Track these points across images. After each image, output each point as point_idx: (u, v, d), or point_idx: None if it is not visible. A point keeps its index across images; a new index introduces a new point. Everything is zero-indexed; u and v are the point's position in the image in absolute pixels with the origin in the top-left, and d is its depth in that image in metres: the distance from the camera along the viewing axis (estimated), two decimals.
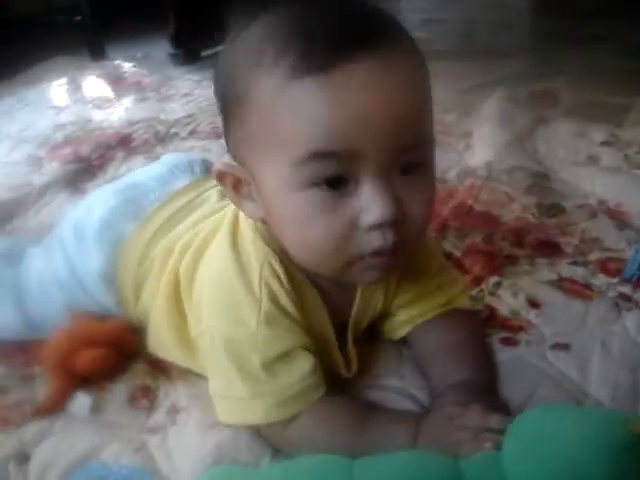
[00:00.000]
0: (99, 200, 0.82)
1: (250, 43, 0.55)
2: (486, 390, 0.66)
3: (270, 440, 0.63)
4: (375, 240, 0.55)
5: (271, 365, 0.60)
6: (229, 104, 0.58)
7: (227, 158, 0.63)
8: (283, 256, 0.62)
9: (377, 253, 0.56)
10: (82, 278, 0.78)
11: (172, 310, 0.71)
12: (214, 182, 0.84)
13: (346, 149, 0.51)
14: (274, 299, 0.61)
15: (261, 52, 0.53)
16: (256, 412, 0.61)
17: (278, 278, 0.62)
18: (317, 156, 0.52)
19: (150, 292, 0.75)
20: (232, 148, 0.61)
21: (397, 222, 0.54)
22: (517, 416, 0.53)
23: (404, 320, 0.74)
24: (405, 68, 0.53)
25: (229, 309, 0.62)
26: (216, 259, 0.66)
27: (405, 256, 0.60)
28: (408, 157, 0.55)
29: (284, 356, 0.61)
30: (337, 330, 0.69)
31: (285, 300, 0.62)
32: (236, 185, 0.61)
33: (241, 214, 0.66)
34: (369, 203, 0.53)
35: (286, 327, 0.61)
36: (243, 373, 0.60)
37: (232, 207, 0.68)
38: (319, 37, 0.51)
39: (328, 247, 0.56)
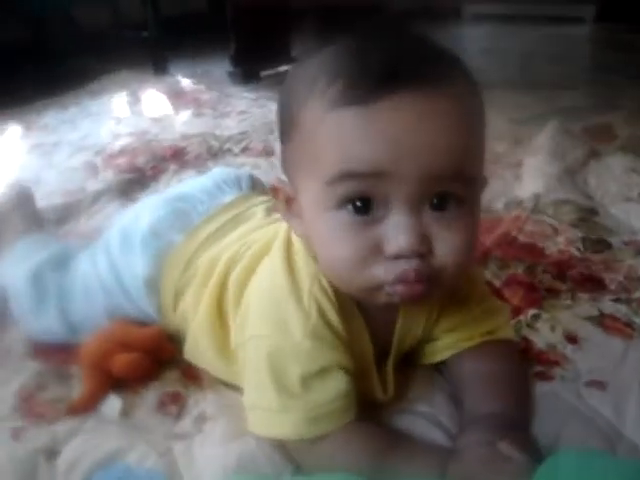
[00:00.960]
0: (148, 208, 0.84)
1: (308, 70, 0.58)
2: (517, 426, 0.65)
3: (296, 456, 0.63)
4: (397, 269, 0.55)
5: (308, 380, 0.60)
6: (284, 125, 0.61)
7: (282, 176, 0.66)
8: None
9: (399, 281, 0.56)
10: (125, 283, 0.80)
11: (214, 320, 0.72)
12: (260, 198, 0.86)
13: (375, 171, 0.53)
14: (322, 314, 0.62)
15: (315, 79, 0.55)
16: (285, 426, 0.61)
17: (327, 294, 0.62)
18: (347, 176, 0.53)
19: (191, 300, 0.76)
20: (284, 166, 0.64)
21: (422, 255, 0.55)
22: (548, 458, 0.52)
23: (447, 344, 0.73)
24: (449, 105, 0.54)
25: (277, 320, 0.63)
26: (268, 272, 0.67)
27: (437, 289, 0.59)
28: (442, 190, 0.55)
29: (323, 372, 0.61)
30: (377, 354, 0.69)
31: (332, 316, 0.62)
32: (288, 201, 0.63)
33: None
34: (394, 231, 0.54)
35: (330, 343, 0.62)
36: (279, 385, 0.60)
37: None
38: (366, 69, 0.53)
39: (352, 270, 0.57)
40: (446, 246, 0.56)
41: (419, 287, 0.56)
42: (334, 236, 0.57)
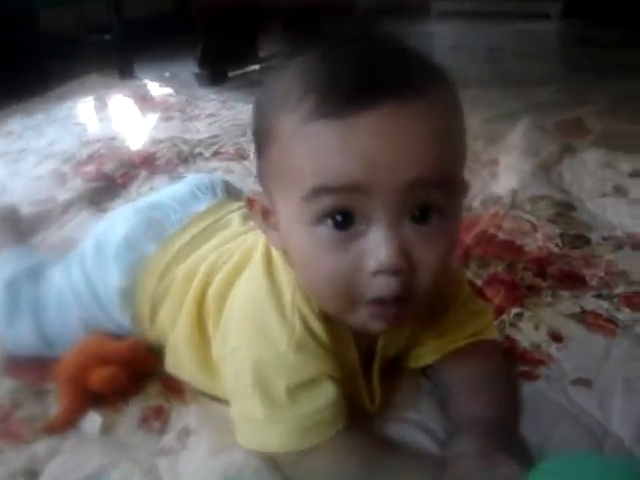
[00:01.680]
0: (121, 218, 0.82)
1: (281, 82, 0.57)
2: (506, 429, 0.65)
3: (284, 469, 0.62)
4: (378, 287, 0.54)
5: (295, 391, 0.59)
6: (259, 137, 0.60)
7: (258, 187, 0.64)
8: None
9: (379, 301, 0.55)
10: (100, 294, 0.78)
11: (194, 331, 0.71)
12: (235, 205, 0.85)
13: (351, 185, 0.51)
14: (306, 324, 0.61)
15: (287, 92, 0.54)
16: (273, 439, 0.60)
17: (309, 304, 0.61)
18: (323, 191, 0.52)
19: (168, 312, 0.75)
20: (260, 179, 0.62)
21: (402, 270, 0.53)
22: (538, 464, 0.51)
23: (432, 349, 0.72)
24: (424, 115, 0.52)
25: (260, 331, 0.62)
26: (249, 284, 0.66)
27: (415, 305, 0.58)
28: (423, 201, 0.54)
29: (309, 383, 0.60)
30: (361, 361, 0.68)
31: (316, 326, 0.61)
32: (265, 214, 0.61)
33: None
34: (375, 246, 0.53)
35: (315, 354, 0.61)
36: (265, 397, 0.59)
37: None
38: (340, 82, 0.51)
39: (332, 287, 0.56)
40: (426, 261, 0.54)
41: (393, 310, 0.56)
42: (312, 252, 0.55)
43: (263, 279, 0.63)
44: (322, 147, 0.52)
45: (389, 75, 0.52)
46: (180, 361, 0.74)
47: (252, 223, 0.78)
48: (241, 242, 0.74)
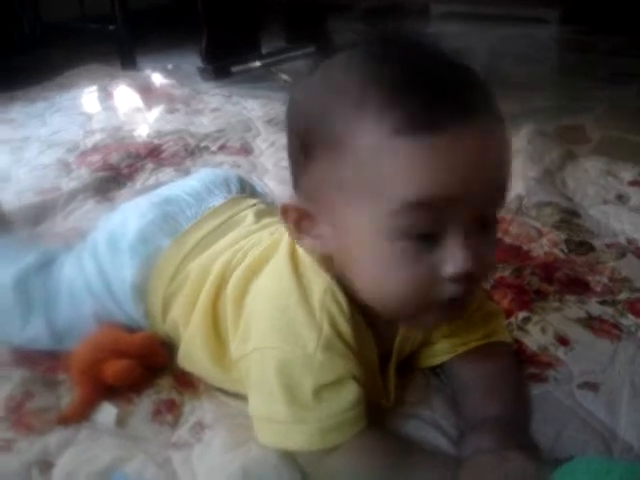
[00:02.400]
0: (135, 212, 0.82)
1: (345, 85, 0.55)
2: (518, 429, 0.66)
3: (307, 468, 0.62)
4: (454, 290, 0.56)
5: (321, 391, 0.60)
6: (312, 142, 0.58)
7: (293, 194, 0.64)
8: (341, 287, 0.63)
9: (451, 302, 0.57)
10: (113, 288, 0.78)
11: (208, 329, 0.71)
12: (249, 202, 0.85)
13: (445, 200, 0.53)
14: (334, 325, 0.61)
15: (363, 100, 0.53)
16: (297, 439, 0.60)
17: (340, 306, 0.62)
18: (414, 208, 0.53)
19: (181, 310, 0.74)
20: (304, 184, 0.61)
21: (475, 274, 0.55)
22: (561, 467, 0.52)
23: (445, 349, 0.73)
24: (500, 136, 0.56)
25: (286, 331, 0.61)
26: (272, 282, 0.66)
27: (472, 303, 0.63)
28: (489, 211, 0.57)
29: (335, 384, 0.60)
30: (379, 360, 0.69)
31: (344, 327, 0.61)
32: (298, 221, 0.61)
33: None
34: (453, 255, 0.54)
35: (342, 354, 0.61)
36: (290, 396, 0.59)
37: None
38: (429, 97, 0.52)
39: (408, 294, 0.57)
40: (487, 265, 0.58)
41: (461, 312, 0.60)
42: (392, 264, 0.56)
43: (290, 280, 0.63)
44: (414, 162, 0.52)
45: (475, 92, 0.54)
46: (194, 357, 0.74)
47: (265, 221, 0.79)
48: (255, 240, 0.74)
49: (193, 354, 0.74)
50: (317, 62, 0.61)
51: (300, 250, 0.65)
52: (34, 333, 0.80)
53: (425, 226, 0.54)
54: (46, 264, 0.84)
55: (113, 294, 0.78)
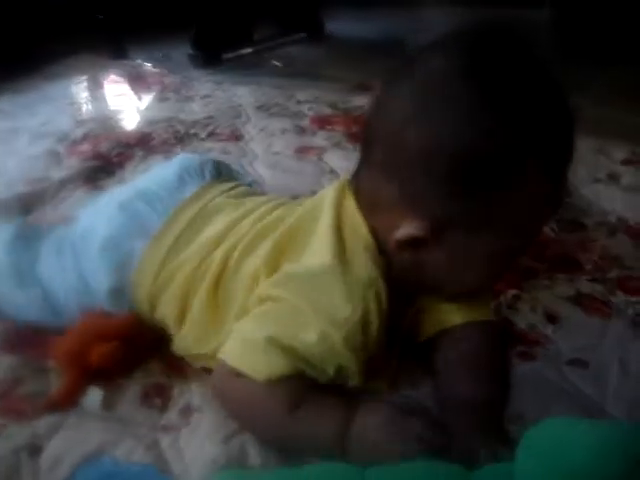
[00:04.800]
0: (104, 216, 0.80)
1: (500, 120, 0.57)
2: (491, 412, 0.66)
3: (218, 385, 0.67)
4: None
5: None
6: (461, 168, 0.57)
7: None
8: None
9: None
10: (90, 287, 0.77)
11: (208, 318, 0.71)
12: (224, 187, 0.83)
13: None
14: (365, 317, 0.62)
15: (531, 146, 0.58)
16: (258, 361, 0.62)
17: (379, 301, 0.63)
18: (528, 244, 0.68)
19: (170, 306, 0.74)
20: (433, 205, 0.60)
21: None
22: (532, 427, 0.52)
23: (430, 324, 0.73)
24: None
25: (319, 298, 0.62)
26: (314, 259, 0.65)
27: None
28: None
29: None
30: None
31: (375, 322, 0.63)
32: (410, 243, 0.62)
33: (349, 228, 0.66)
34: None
35: (357, 348, 0.62)
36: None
37: (329, 213, 0.67)
38: (565, 145, 0.61)
39: (490, 285, 0.75)
40: None
41: None
42: (490, 270, 0.66)
43: (335, 259, 0.63)
44: (550, 203, 0.63)
45: None
46: (192, 347, 0.73)
47: (243, 208, 0.78)
48: (247, 227, 0.74)
49: (190, 342, 0.73)
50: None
51: (350, 237, 0.65)
52: (28, 301, 0.79)
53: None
54: (32, 240, 0.84)
55: (92, 293, 0.76)
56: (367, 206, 0.65)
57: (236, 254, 0.71)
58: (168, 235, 0.75)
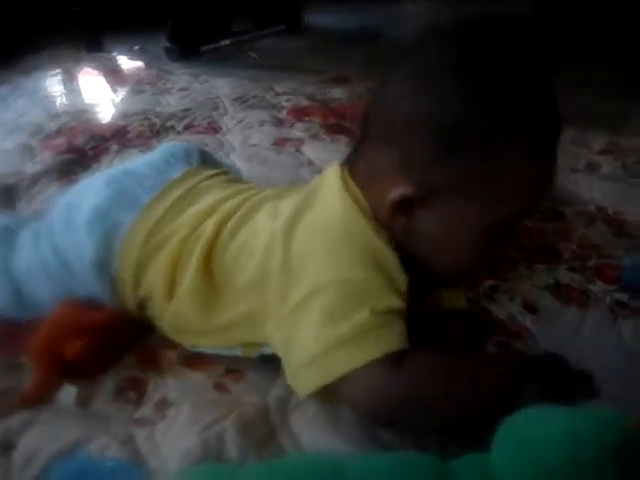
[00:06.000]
0: (91, 189, 0.80)
1: (489, 90, 0.60)
2: None
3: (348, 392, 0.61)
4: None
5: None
6: (449, 134, 0.60)
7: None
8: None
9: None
10: (72, 267, 0.76)
11: (203, 285, 0.70)
12: (211, 171, 0.84)
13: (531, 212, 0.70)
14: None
15: (517, 115, 0.60)
16: (369, 348, 0.59)
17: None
18: (525, 212, 0.67)
19: (160, 275, 0.73)
20: (424, 169, 0.62)
21: None
22: (507, 418, 0.52)
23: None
24: None
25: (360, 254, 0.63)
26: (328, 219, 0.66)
27: None
28: None
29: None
30: None
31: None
32: (403, 203, 0.63)
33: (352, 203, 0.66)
34: (510, 237, 0.70)
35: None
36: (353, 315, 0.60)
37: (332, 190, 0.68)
38: (553, 121, 0.63)
39: (481, 264, 0.71)
40: None
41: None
42: (482, 245, 0.65)
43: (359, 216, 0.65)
44: (534, 180, 0.63)
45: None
46: (185, 320, 0.72)
47: (234, 188, 0.79)
48: (240, 201, 0.75)
49: (183, 318, 0.72)
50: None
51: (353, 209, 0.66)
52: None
53: (510, 227, 0.66)
54: (8, 233, 0.83)
55: (72, 273, 0.76)
56: (364, 181, 0.67)
57: (230, 224, 0.72)
58: (157, 208, 0.76)
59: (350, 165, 0.69)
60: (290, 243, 0.65)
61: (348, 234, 0.64)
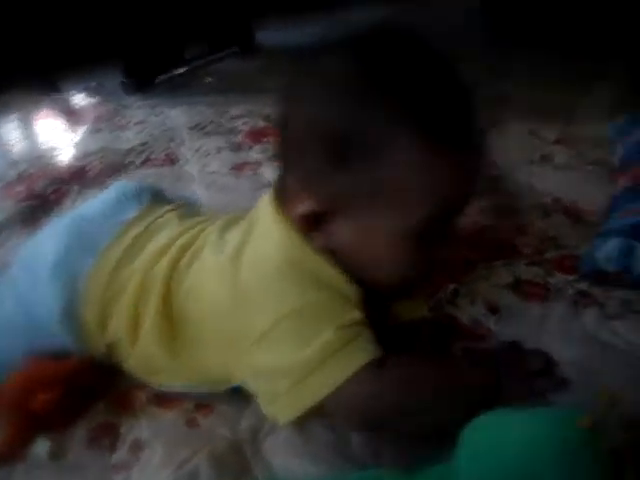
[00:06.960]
0: (50, 238, 0.80)
1: (375, 97, 0.59)
2: None
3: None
4: (429, 267, 0.68)
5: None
6: (345, 149, 0.59)
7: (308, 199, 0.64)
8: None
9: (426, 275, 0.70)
10: (38, 319, 0.76)
11: (163, 322, 0.71)
12: (165, 208, 0.85)
13: (450, 214, 0.65)
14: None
15: (403, 115, 0.58)
16: (346, 364, 0.59)
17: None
18: (438, 217, 0.62)
19: (124, 314, 0.73)
20: (326, 186, 0.62)
21: None
22: (468, 424, 0.52)
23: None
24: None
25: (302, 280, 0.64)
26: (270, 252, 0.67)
27: None
28: None
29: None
30: None
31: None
32: (309, 217, 0.63)
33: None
34: (438, 243, 0.65)
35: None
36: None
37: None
38: (460, 119, 0.60)
39: (410, 272, 0.66)
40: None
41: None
42: (402, 253, 0.63)
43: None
44: (445, 178, 0.60)
45: (475, 117, 0.61)
46: (152, 361, 0.72)
47: (188, 223, 0.80)
48: (196, 234, 0.76)
49: (149, 356, 0.72)
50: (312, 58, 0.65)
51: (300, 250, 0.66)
52: None
53: (432, 229, 0.62)
54: None
55: (38, 325, 0.76)
56: (284, 203, 0.67)
57: (183, 262, 0.73)
58: (116, 249, 0.76)
59: (277, 189, 0.70)
60: (238, 274, 0.66)
61: (289, 261, 0.64)
